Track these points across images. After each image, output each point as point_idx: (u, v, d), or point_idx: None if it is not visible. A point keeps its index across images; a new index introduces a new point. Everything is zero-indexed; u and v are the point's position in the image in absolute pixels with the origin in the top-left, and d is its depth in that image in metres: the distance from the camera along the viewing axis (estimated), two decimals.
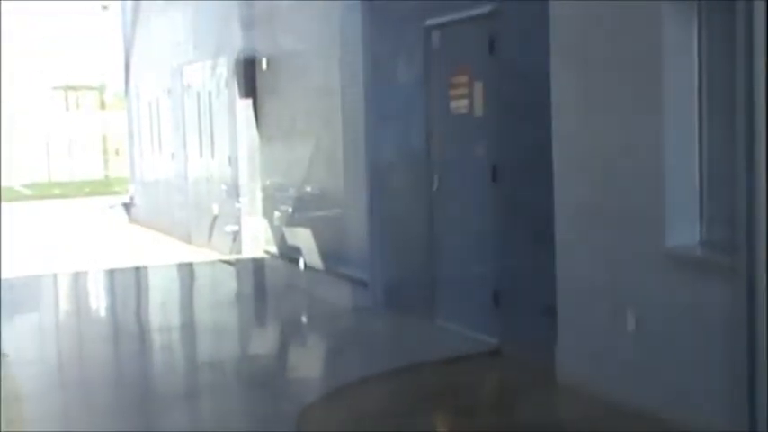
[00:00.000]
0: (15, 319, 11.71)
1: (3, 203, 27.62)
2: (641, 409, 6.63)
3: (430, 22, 9.65)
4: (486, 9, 8.72)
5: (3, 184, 32.32)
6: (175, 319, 12.13)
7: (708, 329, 6.20)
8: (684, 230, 6.53)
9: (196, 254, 16.53)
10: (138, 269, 15.67)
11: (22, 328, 11.44)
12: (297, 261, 13.49)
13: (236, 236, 15.57)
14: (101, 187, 31.78)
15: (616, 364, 7.02)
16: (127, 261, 16.12)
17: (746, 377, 5.46)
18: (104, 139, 37.89)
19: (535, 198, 8.06)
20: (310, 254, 13.19)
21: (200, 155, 17.31)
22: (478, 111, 9.00)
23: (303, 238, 13.40)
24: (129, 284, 15.07)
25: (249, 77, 15.25)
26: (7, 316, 11.63)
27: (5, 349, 9.88)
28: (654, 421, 6.50)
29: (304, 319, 11.45)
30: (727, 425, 5.93)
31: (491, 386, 8.03)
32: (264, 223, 15.14)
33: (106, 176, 35.75)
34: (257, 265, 14.85)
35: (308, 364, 9.48)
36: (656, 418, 6.49)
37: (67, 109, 39.12)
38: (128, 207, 22.85)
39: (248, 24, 14.94)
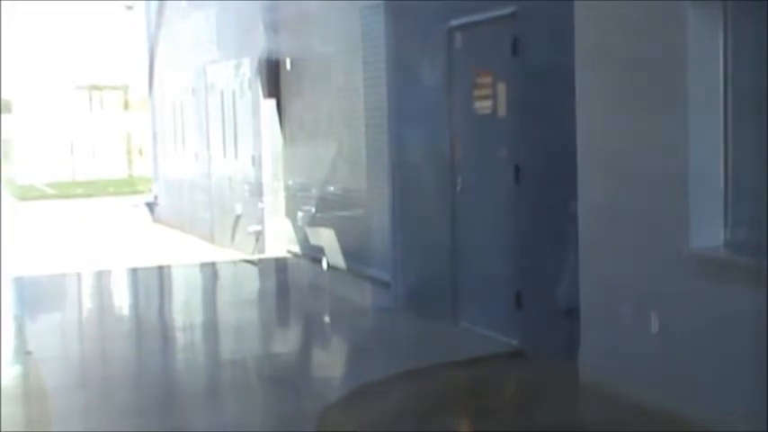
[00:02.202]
0: (39, 317, 11.78)
1: (26, 202, 27.81)
2: (665, 410, 6.60)
3: (453, 23, 9.65)
4: (509, 10, 8.70)
5: (26, 183, 32.50)
6: (198, 318, 12.16)
7: (732, 331, 6.18)
8: (709, 232, 6.51)
9: (219, 253, 16.57)
10: (161, 268, 15.72)
11: (45, 325, 11.50)
12: (320, 261, 13.51)
13: (258, 236, 15.60)
14: (124, 187, 31.90)
15: (640, 366, 7.00)
16: (150, 260, 16.17)
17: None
18: (128, 138, 38.06)
19: (558, 199, 8.04)
20: (333, 254, 13.21)
21: (224, 155, 17.35)
22: (502, 111, 8.99)
23: (326, 238, 13.42)
24: (152, 283, 15.12)
25: (273, 78, 15.28)
26: (31, 314, 11.71)
27: (30, 347, 9.94)
28: (677, 422, 6.47)
29: (326, 319, 11.46)
30: (750, 426, 5.91)
31: (513, 387, 8.02)
32: (287, 223, 15.16)
33: (130, 176, 35.89)
34: (280, 265, 14.87)
35: (330, 363, 9.49)
36: (680, 419, 6.46)
37: (91, 109, 39.28)
38: (151, 206, 22.92)
39: (272, 25, 14.97)
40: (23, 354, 9.82)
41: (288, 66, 14.82)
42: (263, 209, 15.49)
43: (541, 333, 8.43)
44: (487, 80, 9.18)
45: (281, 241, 15.27)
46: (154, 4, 21.70)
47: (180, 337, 10.96)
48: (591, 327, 7.57)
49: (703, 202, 6.52)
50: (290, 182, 15.13)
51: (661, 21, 6.74)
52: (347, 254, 12.87)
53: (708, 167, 6.51)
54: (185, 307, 13.17)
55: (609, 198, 7.32)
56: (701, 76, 6.48)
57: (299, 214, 14.53)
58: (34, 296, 13.28)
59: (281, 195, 15.37)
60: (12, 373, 9.25)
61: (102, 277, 15.31)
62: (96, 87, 39.24)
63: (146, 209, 23.23)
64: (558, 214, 8.09)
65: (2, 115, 37.81)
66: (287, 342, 10.68)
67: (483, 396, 7.69)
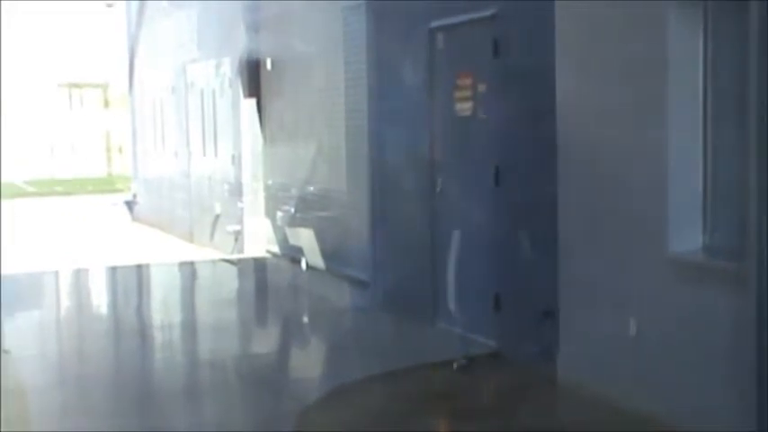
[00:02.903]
0: (17, 315, 11.72)
1: (5, 200, 27.67)
2: (642, 412, 6.62)
3: (434, 24, 9.65)
4: (490, 12, 8.72)
5: (5, 180, 32.35)
6: (176, 317, 12.13)
7: (709, 334, 6.20)
8: (687, 236, 6.53)
9: (198, 253, 16.53)
10: (139, 267, 15.68)
11: (23, 324, 11.44)
12: (299, 261, 13.50)
13: (238, 235, 15.58)
14: (103, 185, 31.78)
15: (618, 369, 7.01)
16: (129, 259, 16.12)
17: (756, 383, 5.47)
18: (108, 136, 37.92)
19: (538, 201, 8.05)
20: (312, 254, 13.20)
21: (204, 153, 17.31)
22: (482, 113, 9.00)
23: (305, 238, 13.41)
24: (131, 282, 15.07)
25: (253, 77, 15.26)
26: (9, 312, 11.64)
27: (7, 345, 9.89)
28: (654, 424, 6.49)
29: (305, 319, 11.45)
30: (727, 428, 5.93)
31: (491, 389, 8.02)
32: (267, 223, 15.14)
33: (109, 174, 35.78)
34: (259, 265, 14.85)
35: (308, 364, 9.48)
36: (657, 421, 6.49)
37: (71, 107, 39.14)
38: (130, 205, 22.85)
39: (253, 24, 14.95)
40: (1, 352, 9.76)
41: (268, 65, 14.81)
42: (242, 208, 15.46)
43: (520, 335, 8.44)
44: (468, 81, 9.19)
45: (260, 241, 15.25)
46: (134, 3, 21.64)
47: (158, 337, 10.93)
48: (569, 329, 7.58)
49: (682, 206, 6.54)
50: (270, 182, 15.11)
51: (641, 22, 6.76)
52: (326, 254, 12.87)
53: (687, 171, 6.53)
54: (163, 306, 13.13)
55: (589, 201, 7.34)
56: (681, 78, 6.49)
57: (279, 214, 14.50)
58: (12, 294, 13.19)
59: (261, 195, 15.35)
60: None
61: (80, 276, 15.25)
62: (76, 85, 39.09)
63: (125, 207, 23.15)
64: (537, 216, 8.10)
65: None
66: (265, 342, 10.66)
67: (460, 398, 7.69)
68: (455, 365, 8.20)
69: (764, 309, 5.41)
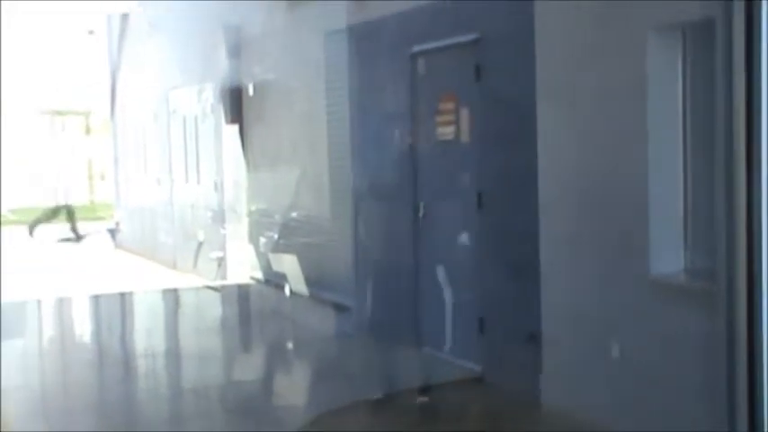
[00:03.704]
0: None
1: None
2: None
3: (415, 49, 9.68)
4: (471, 37, 8.75)
5: None
6: (160, 346, 12.08)
7: (691, 355, 6.21)
8: (669, 258, 6.55)
9: (181, 280, 16.48)
10: (122, 295, 15.61)
11: (5, 354, 11.37)
12: (282, 287, 13.48)
13: (221, 262, 15.54)
14: (86, 212, 31.65)
15: (600, 392, 7.02)
16: (112, 287, 16.05)
17: (726, 405, 5.46)
18: (90, 164, 37.83)
19: (520, 225, 8.07)
20: (296, 280, 13.18)
21: (186, 180, 17.29)
22: (465, 137, 9.02)
23: (289, 264, 13.39)
24: (114, 311, 15.00)
25: (235, 103, 15.26)
26: None
27: None
28: None
29: (289, 346, 11.42)
30: None
31: (474, 413, 8.01)
32: (250, 249, 15.11)
33: (91, 202, 35.66)
34: (243, 292, 14.81)
35: (291, 390, 9.45)
36: None
37: (53, 134, 39.07)
38: (113, 233, 22.78)
39: (235, 50, 14.96)
40: None
41: (251, 91, 14.81)
42: (225, 235, 15.43)
43: (504, 358, 8.43)
44: (450, 106, 9.21)
45: (243, 267, 15.21)
46: (115, 30, 21.65)
47: (141, 365, 10.88)
48: (552, 352, 7.59)
49: (663, 229, 6.57)
50: (253, 208, 15.09)
51: (621, 49, 6.80)
52: (310, 280, 12.85)
53: (667, 194, 6.57)
54: (147, 335, 13.08)
55: (570, 224, 7.36)
56: (661, 104, 6.54)
57: (262, 240, 14.48)
58: None
59: (244, 221, 15.33)
60: None
61: (63, 305, 15.17)
62: (58, 112, 39.04)
63: (107, 235, 23.07)
64: (520, 240, 8.11)
65: None
66: (248, 369, 10.62)
67: (443, 423, 7.67)
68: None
69: (734, 330, 5.41)
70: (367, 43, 10.76)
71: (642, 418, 6.56)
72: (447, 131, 9.29)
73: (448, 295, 9.32)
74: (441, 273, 9.27)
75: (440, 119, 9.37)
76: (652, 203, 6.57)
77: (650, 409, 6.54)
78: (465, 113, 9.01)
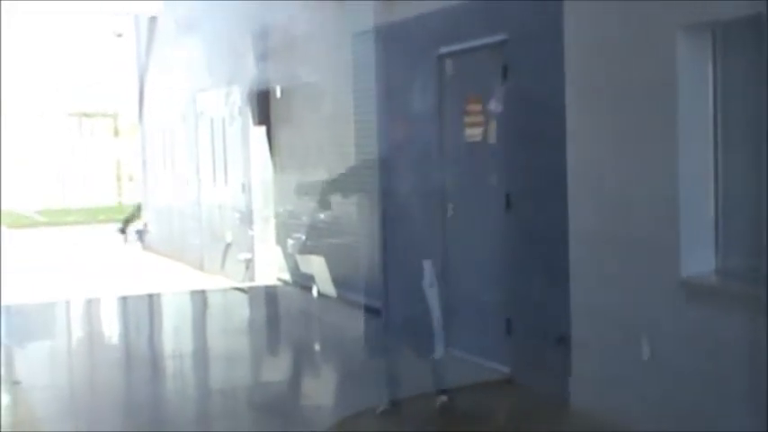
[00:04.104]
0: (28, 346, 11.71)
1: (16, 230, 27.71)
2: None
3: (443, 50, 9.66)
4: (499, 37, 8.72)
5: (17, 210, 32.41)
6: (187, 347, 12.11)
7: (723, 358, 6.16)
8: (699, 259, 6.50)
9: (209, 281, 16.51)
10: (150, 296, 15.66)
11: (34, 355, 11.43)
12: (310, 289, 13.48)
13: (249, 263, 15.56)
14: (114, 214, 31.79)
15: (631, 394, 6.97)
16: (139, 288, 16.11)
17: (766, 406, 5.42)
18: (118, 165, 37.98)
19: (549, 226, 8.03)
20: (323, 281, 13.18)
21: (214, 182, 17.32)
22: (492, 138, 8.99)
23: (316, 265, 13.39)
24: (142, 312, 15.05)
25: (263, 105, 15.29)
26: (20, 343, 11.64)
27: (19, 376, 9.88)
28: None
29: (316, 347, 11.42)
30: None
31: (504, 414, 7.97)
32: (278, 251, 15.12)
33: (120, 203, 35.79)
34: (270, 293, 14.83)
35: (319, 392, 9.45)
36: None
37: (82, 135, 39.25)
38: (141, 234, 22.85)
39: (263, 52, 14.98)
40: (12, 383, 9.75)
41: (278, 93, 14.83)
42: (253, 236, 15.45)
43: (532, 360, 8.39)
44: (477, 107, 9.18)
45: (271, 269, 15.23)
46: (143, 32, 21.72)
47: (169, 366, 10.91)
48: (582, 354, 7.54)
49: (694, 229, 6.52)
50: (281, 209, 15.10)
51: (651, 48, 6.76)
52: (338, 281, 12.84)
53: (698, 194, 6.52)
54: (175, 335, 13.11)
55: (600, 225, 7.31)
56: (691, 103, 6.49)
57: (290, 242, 14.49)
58: (23, 325, 13.20)
59: (272, 223, 15.34)
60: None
61: (91, 306, 15.24)
62: (87, 114, 39.22)
63: (136, 236, 23.15)
64: (548, 241, 8.07)
65: None
66: (277, 371, 10.62)
67: (473, 423, 7.65)
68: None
69: None
70: (394, 45, 10.74)
71: (673, 421, 6.51)
72: (474, 133, 9.27)
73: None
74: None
75: (467, 120, 9.35)
76: (682, 204, 6.53)
77: (681, 413, 6.49)
78: (492, 114, 8.97)
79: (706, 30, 6.47)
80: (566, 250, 7.62)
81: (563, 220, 7.62)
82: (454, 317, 9.64)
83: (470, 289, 9.44)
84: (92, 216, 31.82)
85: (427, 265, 8.67)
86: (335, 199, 12.70)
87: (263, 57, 14.97)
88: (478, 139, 9.18)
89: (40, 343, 12.15)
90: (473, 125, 9.26)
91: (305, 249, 13.95)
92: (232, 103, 16.19)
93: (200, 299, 15.66)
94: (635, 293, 6.96)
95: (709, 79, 6.48)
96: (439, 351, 8.52)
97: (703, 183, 6.52)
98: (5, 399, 9.39)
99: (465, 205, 9.51)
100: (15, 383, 9.64)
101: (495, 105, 8.92)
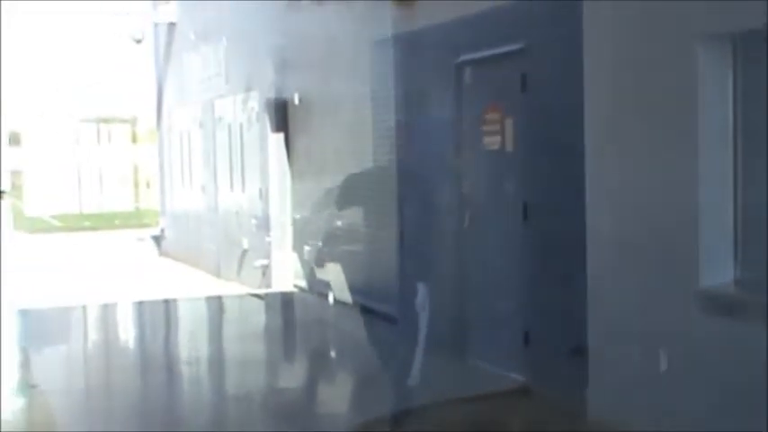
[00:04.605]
0: (44, 350, 11.74)
1: (33, 234, 27.83)
2: None
3: (462, 58, 9.66)
4: (518, 46, 8.71)
5: (33, 214, 32.56)
6: (203, 352, 12.12)
7: (742, 370, 6.13)
8: (719, 270, 6.48)
9: (225, 287, 16.54)
10: (167, 302, 15.69)
11: (51, 359, 11.46)
12: (326, 296, 13.48)
13: (265, 270, 15.57)
14: (131, 219, 31.87)
15: (648, 405, 6.94)
16: (156, 294, 16.14)
17: None
18: (135, 171, 38.07)
19: (566, 235, 8.01)
20: (340, 289, 13.18)
21: (231, 188, 17.35)
22: (510, 147, 8.98)
23: (333, 272, 13.39)
24: (158, 317, 15.08)
25: (281, 112, 15.30)
26: (36, 347, 11.67)
27: (36, 380, 9.91)
28: None
29: (332, 354, 11.42)
30: None
31: (520, 424, 7.96)
32: (294, 257, 15.13)
33: (136, 209, 35.88)
34: (286, 300, 14.84)
35: (335, 398, 9.44)
36: None
37: (99, 141, 39.37)
38: (158, 240, 22.90)
39: (281, 59, 15.01)
40: (28, 387, 9.79)
41: (296, 100, 14.85)
42: (269, 243, 15.46)
43: (549, 370, 8.37)
44: (496, 116, 9.18)
45: (287, 275, 15.23)
46: (162, 38, 21.79)
47: (185, 371, 10.92)
48: (599, 365, 7.52)
49: (713, 240, 6.49)
50: (298, 216, 15.11)
51: (672, 58, 6.74)
52: (354, 289, 12.84)
53: (718, 205, 6.49)
54: (191, 341, 13.13)
55: (618, 236, 7.29)
56: (711, 112, 6.47)
57: (306, 248, 14.50)
58: (40, 329, 13.25)
59: (289, 229, 15.35)
60: (16, 405, 9.22)
61: (107, 311, 15.27)
62: (104, 120, 39.34)
63: (152, 242, 23.20)
64: (566, 252, 8.05)
65: (10, 147, 37.89)
66: (291, 377, 10.63)
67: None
68: None
69: None
70: (413, 52, 10.75)
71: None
72: (493, 141, 9.26)
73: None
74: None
75: (485, 128, 9.34)
76: (702, 214, 6.50)
77: (699, 425, 6.46)
78: (510, 123, 8.96)
79: (726, 39, 6.45)
80: (583, 260, 7.60)
81: (581, 229, 7.59)
82: (471, 326, 9.64)
83: (488, 298, 9.43)
84: (108, 221, 31.92)
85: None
86: (352, 206, 12.74)
87: (281, 63, 15.01)
88: (496, 147, 9.18)
89: (56, 347, 12.19)
90: (491, 133, 9.25)
91: (321, 256, 13.96)
92: (250, 110, 16.22)
93: (217, 304, 15.68)
94: (653, 304, 6.94)
95: (729, 89, 6.46)
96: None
97: (723, 193, 6.49)
98: (22, 401, 9.42)
99: (482, 214, 9.50)
100: (32, 387, 9.68)
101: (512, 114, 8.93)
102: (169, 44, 21.28)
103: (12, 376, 10.53)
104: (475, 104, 9.51)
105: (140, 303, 15.50)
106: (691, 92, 6.52)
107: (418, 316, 8.62)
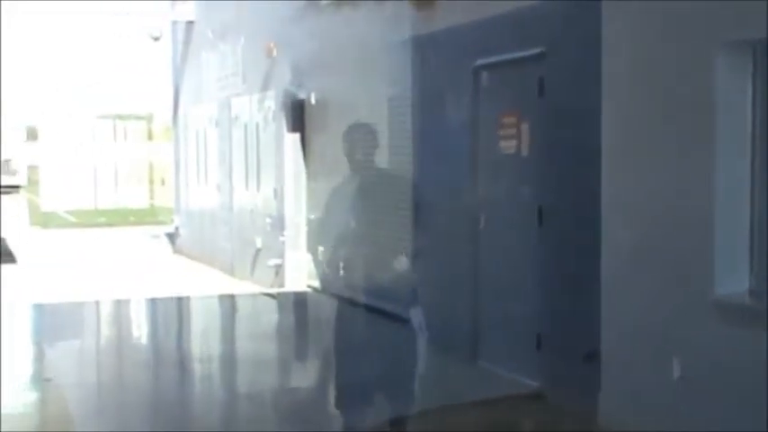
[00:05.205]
0: (58, 344, 11.78)
1: (48, 230, 27.92)
2: None
3: (479, 62, 9.66)
4: (536, 50, 8.71)
5: (48, 210, 32.66)
6: (216, 350, 12.15)
7: (755, 378, 6.12)
8: (734, 278, 6.47)
9: (238, 286, 16.55)
10: (180, 299, 15.72)
11: (64, 353, 11.50)
12: (339, 296, 13.45)
13: (278, 269, 15.58)
14: (146, 216, 31.94)
15: (660, 412, 6.94)
16: (169, 291, 16.17)
17: None
18: (150, 168, 38.15)
19: (581, 242, 8.00)
20: (353, 290, 13.14)
21: (246, 187, 17.38)
22: (526, 151, 8.97)
23: (347, 273, 13.35)
24: (171, 314, 15.11)
25: (297, 112, 15.32)
26: (50, 341, 11.71)
27: (49, 373, 9.96)
28: None
29: (343, 355, 11.39)
30: None
31: (532, 429, 7.95)
32: (308, 257, 15.13)
33: (151, 206, 35.95)
34: (299, 299, 14.84)
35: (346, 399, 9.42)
36: None
37: (115, 138, 39.46)
38: (172, 237, 22.94)
39: (297, 59, 15.02)
40: (42, 380, 9.83)
41: (312, 100, 14.86)
42: (283, 242, 15.47)
43: (562, 375, 8.36)
44: (512, 120, 9.18)
45: (301, 275, 15.24)
46: (180, 36, 21.84)
47: (198, 369, 10.94)
48: (612, 370, 7.51)
49: (729, 248, 6.49)
50: (312, 216, 15.11)
51: (689, 65, 6.74)
52: (368, 290, 12.80)
53: (734, 213, 6.49)
54: (204, 338, 13.15)
55: (633, 241, 7.28)
56: (729, 120, 6.47)
57: (320, 249, 14.48)
58: (53, 324, 13.29)
59: (303, 229, 15.35)
60: (30, 397, 9.27)
61: (121, 306, 15.31)
62: (120, 117, 39.42)
63: (166, 239, 23.24)
64: (580, 257, 8.05)
65: (27, 143, 38.02)
66: (302, 376, 10.63)
67: None
68: None
69: None
70: (430, 55, 10.75)
71: None
72: (509, 145, 9.26)
73: (506, 310, 9.23)
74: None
75: (502, 132, 9.34)
76: (718, 222, 6.50)
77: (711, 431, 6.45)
78: (527, 128, 8.96)
79: (746, 47, 6.44)
80: (597, 265, 7.60)
81: (596, 234, 7.59)
82: (485, 329, 9.64)
83: (501, 302, 9.42)
84: (123, 218, 32.01)
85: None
86: (367, 208, 12.72)
87: (298, 63, 15.02)
88: (512, 151, 9.18)
89: (70, 341, 12.23)
90: (507, 137, 9.25)
91: (336, 257, 13.93)
92: (266, 109, 16.24)
93: (229, 303, 15.70)
94: (667, 311, 6.93)
95: (748, 96, 6.46)
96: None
97: (739, 201, 6.49)
98: (36, 395, 9.47)
99: (497, 217, 9.50)
100: (46, 380, 9.72)
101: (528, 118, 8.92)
102: (187, 42, 21.33)
103: (26, 369, 10.59)
104: (492, 108, 9.52)
105: (153, 300, 15.54)
106: (709, 98, 6.52)
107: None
